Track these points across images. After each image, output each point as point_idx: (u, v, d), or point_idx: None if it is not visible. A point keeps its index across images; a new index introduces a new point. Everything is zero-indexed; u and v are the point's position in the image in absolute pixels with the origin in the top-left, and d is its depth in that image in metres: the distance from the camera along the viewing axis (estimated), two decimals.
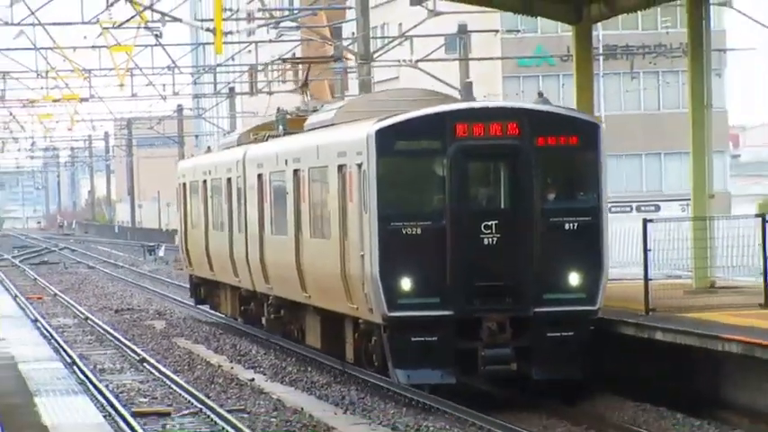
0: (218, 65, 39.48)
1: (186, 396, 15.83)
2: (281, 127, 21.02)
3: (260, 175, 20.70)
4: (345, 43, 35.52)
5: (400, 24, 40.30)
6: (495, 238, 14.64)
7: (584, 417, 14.11)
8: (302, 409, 14.53)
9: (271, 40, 35.60)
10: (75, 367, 18.34)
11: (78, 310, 29.85)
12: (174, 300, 32.88)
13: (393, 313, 14.38)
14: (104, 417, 13.26)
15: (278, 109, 22.33)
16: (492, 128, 14.76)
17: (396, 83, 49.76)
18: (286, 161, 18.96)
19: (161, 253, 53.70)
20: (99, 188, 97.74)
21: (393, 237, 14.48)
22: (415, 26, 30.20)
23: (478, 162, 14.76)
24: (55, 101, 42.07)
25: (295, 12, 33.64)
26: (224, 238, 23.23)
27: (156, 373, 18.37)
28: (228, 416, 13.56)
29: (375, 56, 28.30)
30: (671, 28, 55.77)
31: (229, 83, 44.84)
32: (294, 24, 32.41)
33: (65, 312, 30.18)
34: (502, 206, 14.87)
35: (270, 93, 41.43)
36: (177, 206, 30.05)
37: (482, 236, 14.59)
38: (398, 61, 32.81)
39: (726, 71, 59.96)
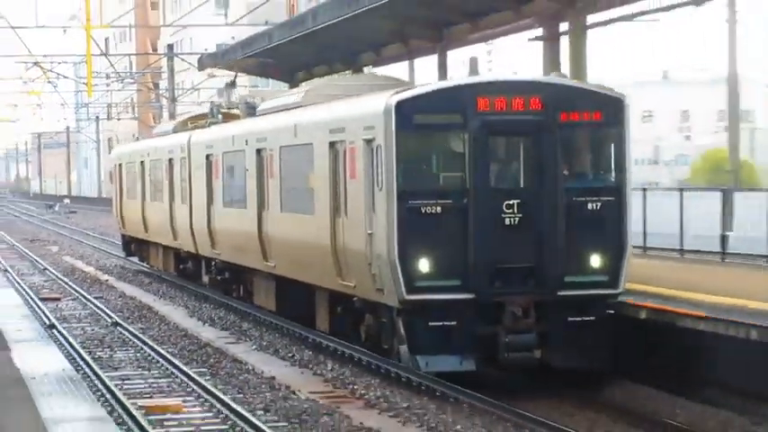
0: (89, 103, 73.60)
1: (70, 289, 28.07)
2: (219, 116, 25.04)
3: (208, 156, 23.26)
4: (162, 90, 61.23)
5: (192, 81, 62.22)
6: (517, 218, 13.86)
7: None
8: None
9: (119, 90, 61.50)
10: (5, 272, 32.10)
11: (8, 240, 48.55)
12: (64, 234, 53.82)
13: (411, 296, 13.51)
14: (23, 300, 24.33)
15: (211, 103, 27.63)
16: (514, 102, 13.95)
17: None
18: (246, 141, 20.24)
19: (56, 208, 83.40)
20: (21, 171, 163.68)
21: (412, 216, 13.57)
22: (201, 82, 50.13)
23: (501, 138, 13.89)
24: None
25: (134, 74, 63.09)
26: (163, 208, 27.52)
27: (53, 276, 31.70)
28: (94, 300, 25.18)
29: (178, 97, 52.20)
30: None
31: (97, 114, 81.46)
32: (133, 80, 60.19)
33: (1, 241, 48.68)
34: (524, 185, 14.04)
35: (119, 119, 71.24)
36: (113, 182, 36.43)
37: (504, 215, 13.76)
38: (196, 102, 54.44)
39: None
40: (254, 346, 18.34)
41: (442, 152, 14.10)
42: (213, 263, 24.09)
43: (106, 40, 61.83)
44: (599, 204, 14.30)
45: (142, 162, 30.32)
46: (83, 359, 16.76)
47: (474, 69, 15.15)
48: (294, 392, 14.11)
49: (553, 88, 14.37)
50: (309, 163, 16.92)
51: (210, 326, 21.06)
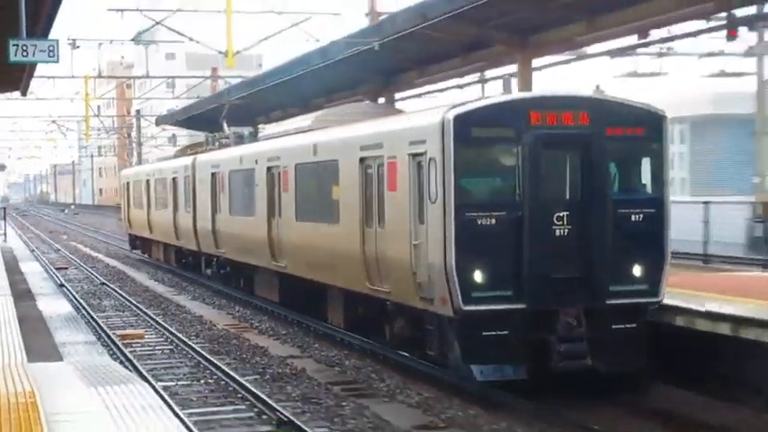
0: (87, 146, 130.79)
1: (74, 262, 42.32)
2: (217, 143, 31.98)
3: (214, 174, 28.97)
4: (133, 138, 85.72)
5: (152, 133, 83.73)
6: (566, 230, 14.20)
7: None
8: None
9: (107, 137, 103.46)
10: (33, 252, 46.16)
11: (34, 231, 72.86)
12: (70, 228, 79.05)
13: (468, 307, 13.82)
14: (43, 269, 35.48)
15: (206, 135, 35.52)
16: (565, 116, 14.32)
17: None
18: (256, 161, 24.31)
19: (66, 211, 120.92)
20: (44, 188, 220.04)
21: (468, 228, 13.82)
22: (158, 133, 75.64)
23: (553, 151, 14.19)
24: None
25: (116, 128, 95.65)
26: (166, 215, 35.89)
27: (63, 254, 47.34)
28: (89, 269, 38.58)
29: (143, 143, 79.13)
30: None
31: (92, 153, 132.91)
32: (115, 133, 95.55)
33: (30, 232, 71.32)
34: (574, 197, 14.42)
35: (105, 156, 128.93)
36: (120, 196, 50.27)
37: (554, 227, 14.13)
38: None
39: None
40: (190, 297, 28.86)
41: (498, 165, 14.39)
42: (215, 259, 30.44)
43: (98, 107, 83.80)
44: (642, 216, 14.73)
45: (147, 180, 40.09)
46: (81, 306, 25.69)
47: (508, 88, 15.74)
48: (214, 324, 22.69)
49: (600, 103, 14.77)
50: (333, 177, 18.81)
51: (162, 284, 32.90)
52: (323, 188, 19.63)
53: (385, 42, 25.19)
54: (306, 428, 12.40)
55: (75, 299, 27.29)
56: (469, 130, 13.93)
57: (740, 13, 23.16)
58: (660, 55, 35.11)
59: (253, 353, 18.68)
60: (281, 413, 13.14)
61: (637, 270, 14.57)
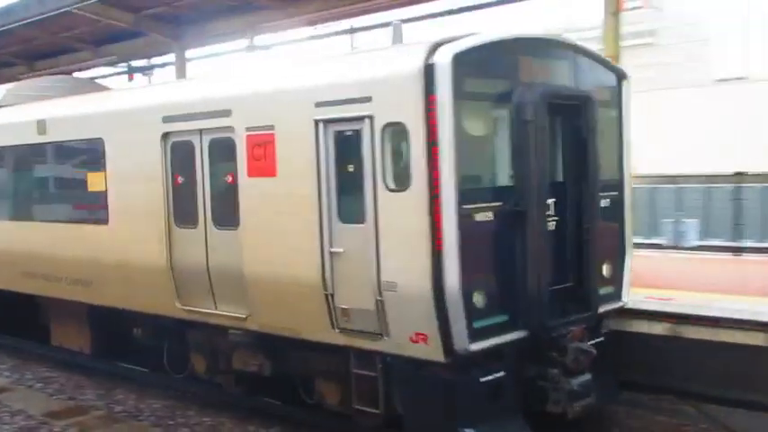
0: None
1: None
2: None
3: None
4: None
5: None
6: (554, 223, 10.30)
7: None
8: None
9: None
10: None
11: None
12: None
13: (476, 345, 9.29)
14: None
15: None
16: (557, 70, 10.38)
17: None
18: None
19: None
20: None
21: (472, 229, 9.21)
22: None
23: (551, 117, 10.06)
24: None
25: None
26: None
27: None
28: None
29: None
30: None
31: None
32: None
33: None
34: (562, 179, 10.54)
35: None
36: None
37: (547, 220, 10.11)
38: None
39: None
40: None
41: (494, 134, 9.87)
42: None
43: None
44: (609, 201, 11.29)
45: None
46: None
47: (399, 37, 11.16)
48: None
49: (583, 54, 10.90)
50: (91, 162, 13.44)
51: None
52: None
53: None
54: None
55: None
56: (463, 81, 9.28)
57: None
58: None
59: None
60: None
61: (606, 270, 11.13)
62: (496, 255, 9.55)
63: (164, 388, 13.44)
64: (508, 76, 9.79)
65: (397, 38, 11.25)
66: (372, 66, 9.64)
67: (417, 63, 9.13)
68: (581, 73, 10.81)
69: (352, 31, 21.67)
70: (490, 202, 9.51)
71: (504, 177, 9.78)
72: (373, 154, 9.56)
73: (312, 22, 19.07)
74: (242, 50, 21.52)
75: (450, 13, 17.05)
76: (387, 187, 9.50)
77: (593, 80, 11.02)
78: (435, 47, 9.22)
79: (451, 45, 9.23)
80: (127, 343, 14.07)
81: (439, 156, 9.03)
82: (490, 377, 9.57)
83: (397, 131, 9.36)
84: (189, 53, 21.65)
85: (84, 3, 18.59)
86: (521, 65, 9.91)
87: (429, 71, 9.05)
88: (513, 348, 9.77)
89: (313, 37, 20.30)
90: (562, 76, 10.48)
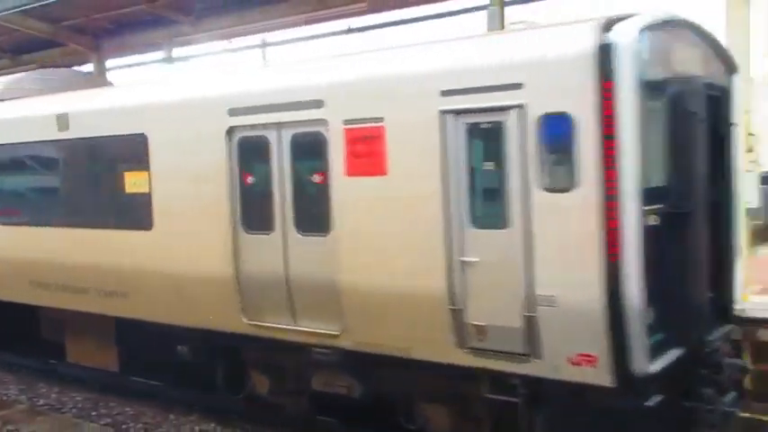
0: None
1: None
2: None
3: None
4: None
5: None
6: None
7: None
8: None
9: None
10: None
11: None
12: None
13: (653, 367, 8.18)
14: None
15: None
16: (696, 57, 9.36)
17: None
18: None
19: None
20: None
21: (649, 236, 8.11)
22: None
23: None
24: None
25: None
26: None
27: None
28: None
29: None
30: None
31: None
32: None
33: None
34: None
35: None
36: None
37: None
38: None
39: None
40: None
41: (660, 129, 8.78)
42: None
43: None
44: None
45: None
46: None
47: None
48: None
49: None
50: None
51: None
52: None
53: None
54: None
55: None
56: (645, 65, 8.09)
57: None
58: None
59: None
60: None
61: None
62: (662, 263, 8.49)
63: (86, 381, 13.75)
64: (667, 62, 8.74)
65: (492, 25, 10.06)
66: (522, 48, 8.43)
67: (588, 42, 7.97)
68: (707, 62, 9.84)
69: (264, 45, 21.36)
70: (654, 204, 8.44)
71: (659, 176, 8.72)
72: (523, 149, 8.37)
73: (225, 36, 20.07)
74: (160, 61, 21.09)
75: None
76: (542, 187, 8.33)
77: (715, 70, 10.07)
78: (609, 24, 8.07)
79: (631, 21, 8.10)
80: (163, 360, 12.53)
81: (617, 152, 7.90)
82: (651, 402, 8.47)
83: (557, 123, 8.19)
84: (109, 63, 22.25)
85: (3, 13, 19.06)
86: (676, 51, 8.88)
87: (605, 52, 7.90)
88: (678, 369, 8.72)
89: (227, 50, 21.31)
90: (697, 64, 9.49)
